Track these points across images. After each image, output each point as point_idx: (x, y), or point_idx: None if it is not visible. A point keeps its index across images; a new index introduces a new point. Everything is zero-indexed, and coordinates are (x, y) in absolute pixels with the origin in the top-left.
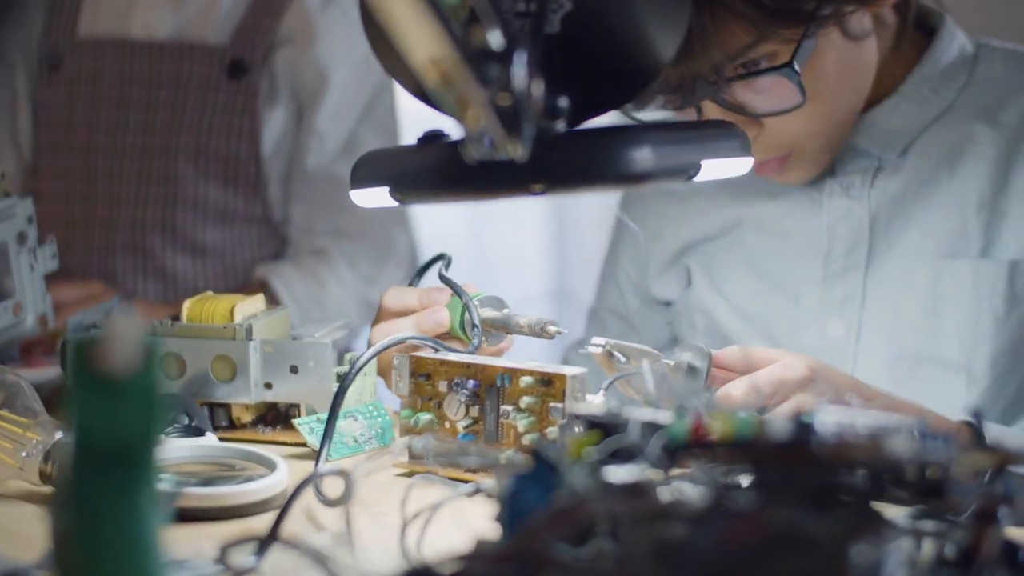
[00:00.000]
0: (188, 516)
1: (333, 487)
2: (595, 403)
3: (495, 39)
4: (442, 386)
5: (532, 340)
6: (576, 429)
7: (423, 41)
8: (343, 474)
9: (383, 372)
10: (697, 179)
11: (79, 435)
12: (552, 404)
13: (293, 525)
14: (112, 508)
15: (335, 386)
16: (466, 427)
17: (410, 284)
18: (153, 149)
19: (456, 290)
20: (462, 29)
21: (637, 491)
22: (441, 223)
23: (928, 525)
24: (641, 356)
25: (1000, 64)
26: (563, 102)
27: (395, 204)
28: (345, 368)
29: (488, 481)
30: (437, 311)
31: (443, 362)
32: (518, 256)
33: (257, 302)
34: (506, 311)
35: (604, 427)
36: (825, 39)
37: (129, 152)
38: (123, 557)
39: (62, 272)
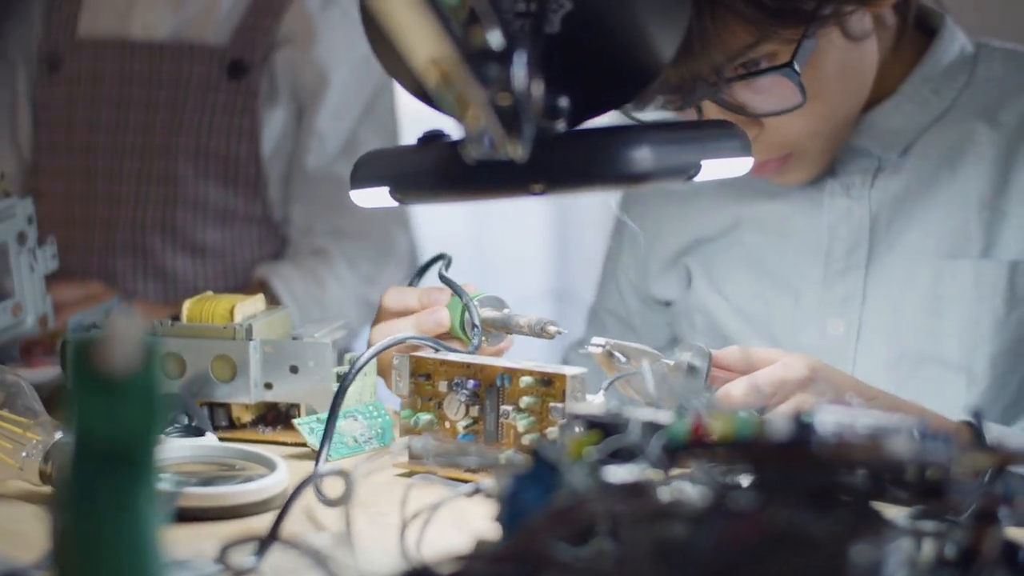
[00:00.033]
0: (188, 516)
1: (333, 487)
2: (595, 403)
3: (495, 39)
4: (442, 386)
5: (532, 340)
6: (576, 429)
7: (423, 41)
8: (343, 474)
9: (383, 372)
10: (697, 179)
11: (79, 435)
12: (552, 404)
13: (293, 525)
14: (112, 508)
15: (335, 386)
16: (466, 427)
17: (410, 284)
18: (153, 149)
19: (456, 290)
20: (462, 29)
21: (637, 491)
22: (441, 223)
23: (928, 525)
24: (641, 356)
25: (1000, 64)
26: (563, 102)
27: (395, 204)
28: (345, 368)
29: (488, 481)
30: (437, 311)
31: (443, 362)
32: (518, 256)
33: (257, 302)
34: (506, 311)
35: (604, 427)
36: (825, 39)
37: (129, 152)
38: (123, 557)
39: (62, 272)
